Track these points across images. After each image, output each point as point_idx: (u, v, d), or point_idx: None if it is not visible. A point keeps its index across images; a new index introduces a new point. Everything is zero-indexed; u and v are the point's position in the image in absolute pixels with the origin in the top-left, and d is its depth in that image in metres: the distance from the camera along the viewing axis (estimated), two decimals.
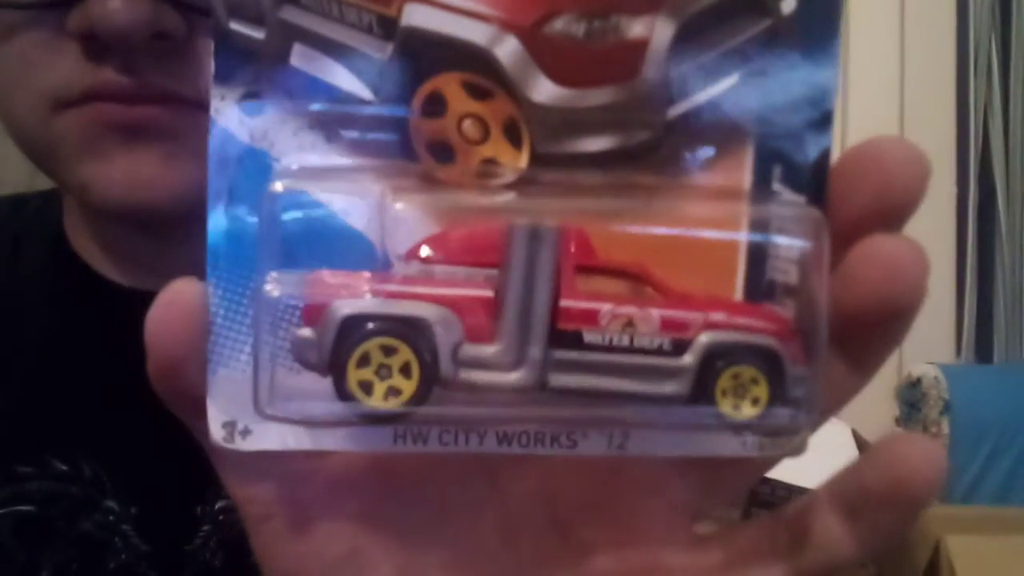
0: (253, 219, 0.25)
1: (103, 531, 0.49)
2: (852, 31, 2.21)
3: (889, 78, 2.24)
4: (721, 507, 0.31)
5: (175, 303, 0.25)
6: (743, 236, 0.26)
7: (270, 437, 0.26)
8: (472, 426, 0.26)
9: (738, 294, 0.26)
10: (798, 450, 0.27)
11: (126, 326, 0.48)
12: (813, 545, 0.28)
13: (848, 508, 0.27)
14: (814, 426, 0.28)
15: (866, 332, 0.27)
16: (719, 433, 0.27)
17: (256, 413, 0.25)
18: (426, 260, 0.25)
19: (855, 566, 0.28)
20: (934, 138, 2.26)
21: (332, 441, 0.26)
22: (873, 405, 1.98)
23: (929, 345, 2.19)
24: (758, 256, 0.26)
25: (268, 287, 0.25)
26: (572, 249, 0.25)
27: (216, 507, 0.50)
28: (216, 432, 0.26)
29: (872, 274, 0.25)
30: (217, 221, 0.25)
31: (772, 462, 0.29)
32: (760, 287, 0.26)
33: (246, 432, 0.26)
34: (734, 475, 0.30)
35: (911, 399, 2.03)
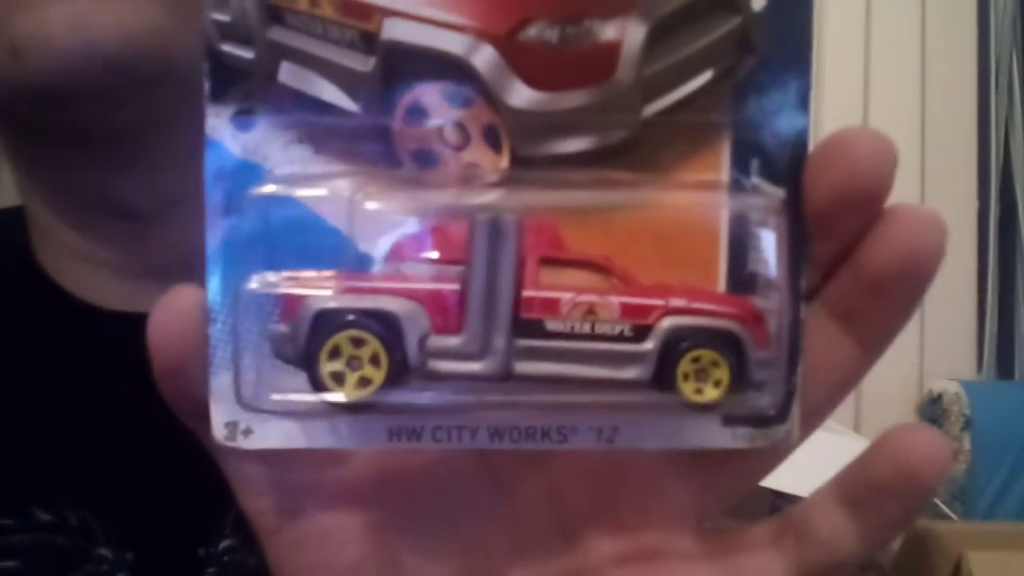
0: (248, 227, 0.26)
1: None
2: (873, 45, 2.21)
3: (910, 92, 2.24)
4: (723, 507, 0.31)
5: (175, 306, 0.26)
6: (723, 228, 0.27)
7: (271, 437, 0.27)
8: (461, 421, 0.27)
9: (720, 286, 0.27)
10: (789, 440, 0.28)
11: (107, 354, 0.47)
12: (817, 540, 0.28)
13: (853, 501, 0.28)
14: (811, 418, 0.28)
15: (881, 302, 0.27)
16: (708, 425, 0.28)
17: (240, 407, 0.26)
18: (400, 258, 0.26)
19: (859, 565, 0.28)
20: (955, 153, 2.26)
21: (328, 440, 0.27)
22: (894, 421, 1.96)
23: (950, 361, 2.17)
24: (738, 248, 0.27)
25: (252, 285, 0.26)
26: (536, 241, 0.26)
27: (220, 547, 0.48)
28: (218, 431, 0.27)
29: (894, 237, 0.26)
30: (215, 230, 0.26)
31: (771, 462, 0.29)
32: (741, 278, 0.27)
33: (248, 432, 0.27)
34: (732, 474, 0.30)
35: (932, 415, 2.01)
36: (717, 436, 0.28)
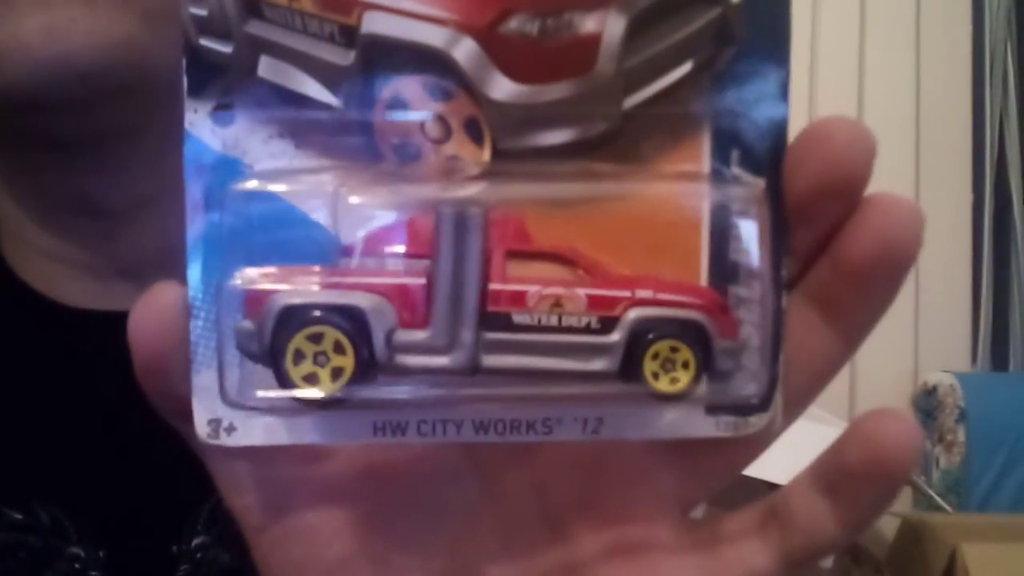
0: (229, 222, 0.26)
1: None
2: (867, 38, 2.21)
3: (905, 85, 2.24)
4: (707, 495, 0.31)
5: (156, 303, 0.26)
6: (704, 218, 0.27)
7: (254, 433, 0.27)
8: (446, 415, 0.27)
9: (702, 276, 0.27)
10: (772, 428, 0.28)
11: (76, 353, 0.47)
12: (798, 526, 0.28)
13: (830, 487, 0.28)
14: (793, 406, 0.28)
15: (859, 291, 0.27)
16: (692, 415, 0.28)
17: (223, 404, 0.26)
18: (369, 253, 0.26)
19: (841, 549, 0.28)
20: (950, 145, 2.26)
21: (313, 435, 0.27)
22: None
23: (945, 353, 2.17)
24: (720, 237, 0.27)
25: (234, 281, 0.26)
26: (502, 234, 0.26)
27: (193, 544, 0.48)
28: (201, 429, 0.27)
29: (871, 227, 0.26)
30: (195, 226, 0.26)
31: (755, 450, 0.30)
32: (723, 268, 0.27)
33: (231, 429, 0.27)
34: (716, 462, 0.30)
35: (927, 407, 2.01)
36: (701, 425, 0.28)
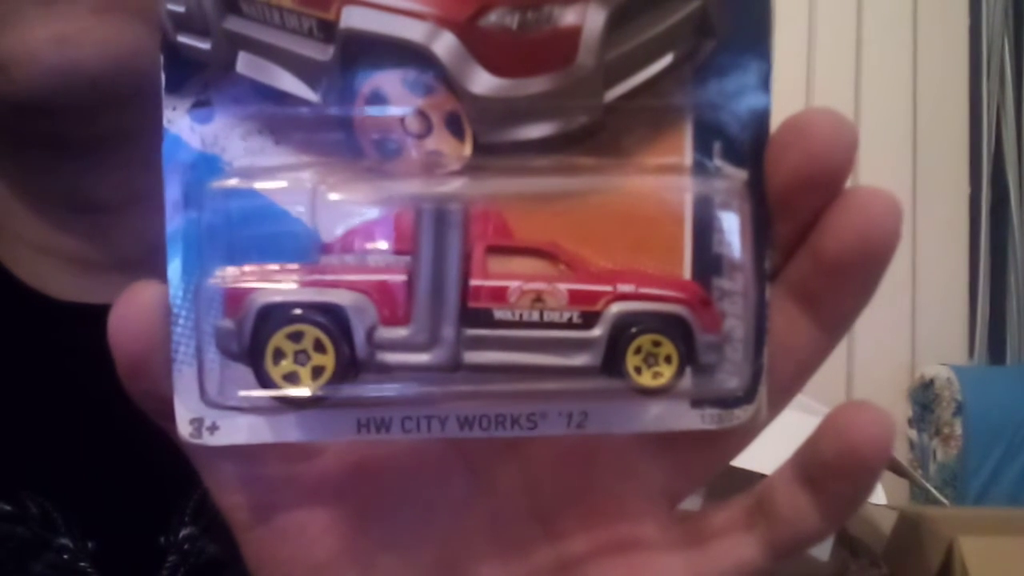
0: (208, 220, 0.26)
1: (56, 571, 0.47)
2: (864, 32, 2.21)
3: (902, 79, 2.24)
4: (694, 488, 0.31)
5: (136, 301, 0.26)
6: (687, 211, 0.27)
7: (237, 432, 0.27)
8: (430, 411, 0.27)
9: (686, 269, 0.27)
10: (757, 420, 0.28)
11: (65, 345, 0.47)
12: (782, 518, 0.29)
13: (809, 479, 0.28)
14: (778, 398, 0.28)
15: (839, 284, 0.27)
16: (677, 408, 0.28)
17: (204, 403, 0.26)
18: (349, 250, 0.26)
19: (824, 539, 0.29)
20: (947, 139, 2.26)
21: (296, 433, 0.27)
22: (885, 407, 1.97)
23: (942, 346, 2.17)
24: (703, 230, 0.27)
25: (213, 280, 0.26)
26: (483, 230, 0.26)
27: (180, 535, 0.48)
28: (183, 429, 0.26)
29: (849, 220, 0.26)
30: (174, 224, 0.26)
31: (740, 442, 0.30)
32: (707, 261, 0.27)
33: (213, 428, 0.26)
34: (703, 455, 0.30)
35: (924, 400, 2.02)
36: (686, 418, 0.28)
